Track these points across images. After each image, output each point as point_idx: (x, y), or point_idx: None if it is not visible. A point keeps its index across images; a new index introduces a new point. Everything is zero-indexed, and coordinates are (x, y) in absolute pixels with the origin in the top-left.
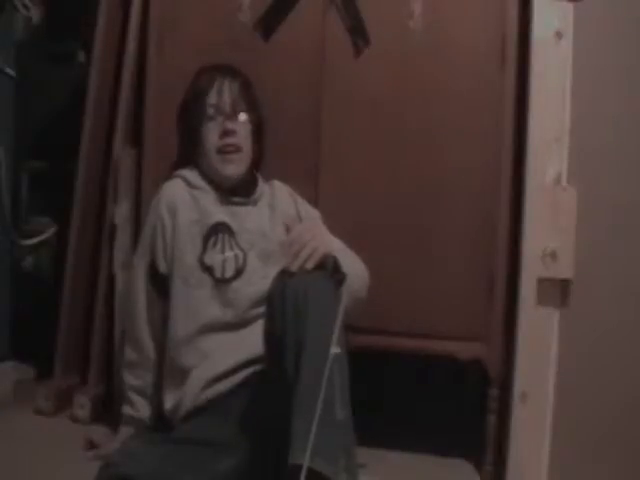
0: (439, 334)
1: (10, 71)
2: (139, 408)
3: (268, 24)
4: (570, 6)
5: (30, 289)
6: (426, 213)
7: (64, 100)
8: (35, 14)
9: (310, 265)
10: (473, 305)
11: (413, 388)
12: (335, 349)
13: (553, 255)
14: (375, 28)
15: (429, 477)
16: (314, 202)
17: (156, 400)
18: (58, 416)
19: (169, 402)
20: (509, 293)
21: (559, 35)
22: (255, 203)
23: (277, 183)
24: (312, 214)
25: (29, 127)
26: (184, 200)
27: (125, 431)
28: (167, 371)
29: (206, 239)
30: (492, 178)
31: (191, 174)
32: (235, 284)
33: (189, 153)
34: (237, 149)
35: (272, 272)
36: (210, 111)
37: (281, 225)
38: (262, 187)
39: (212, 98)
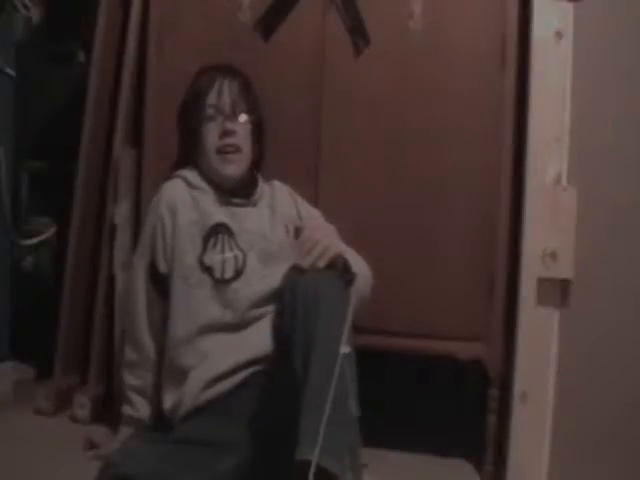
0: (439, 334)
1: (10, 71)
2: (139, 408)
3: (268, 24)
4: (570, 6)
5: (30, 289)
6: (426, 213)
7: (64, 100)
8: (35, 14)
9: (322, 263)
10: (473, 305)
11: (413, 388)
12: (345, 349)
13: (553, 255)
14: (375, 28)
15: (429, 477)
16: (314, 202)
17: (156, 400)
18: (58, 416)
19: (168, 402)
20: (509, 293)
21: (559, 35)
22: (255, 204)
23: (277, 183)
24: (312, 214)
25: (29, 127)
26: (184, 200)
27: (125, 431)
28: (167, 371)
29: (206, 239)
30: (492, 178)
31: (191, 174)
32: (235, 285)
33: (189, 153)
34: (237, 149)
35: (272, 273)
36: (210, 111)
37: (281, 226)
38: (262, 188)
39: (212, 98)
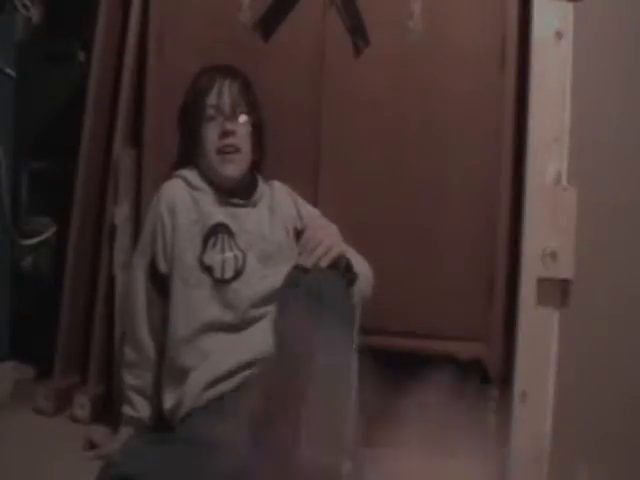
0: (439, 334)
1: (10, 71)
2: (139, 408)
3: (268, 24)
4: (570, 6)
5: (30, 289)
6: (426, 213)
7: (64, 100)
8: (35, 14)
9: (324, 263)
10: (473, 305)
11: (413, 388)
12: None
13: (553, 255)
14: (375, 28)
15: (429, 477)
16: (314, 202)
17: (156, 400)
18: (58, 416)
19: (168, 402)
20: (509, 293)
21: (559, 35)
22: (255, 205)
23: (277, 184)
24: (312, 214)
25: (29, 127)
26: (184, 200)
27: (125, 431)
28: (167, 371)
29: (206, 239)
30: (492, 178)
31: (191, 174)
32: (234, 285)
33: (189, 153)
34: (236, 150)
35: (271, 273)
36: (210, 112)
37: (281, 227)
38: (262, 188)
39: (212, 99)
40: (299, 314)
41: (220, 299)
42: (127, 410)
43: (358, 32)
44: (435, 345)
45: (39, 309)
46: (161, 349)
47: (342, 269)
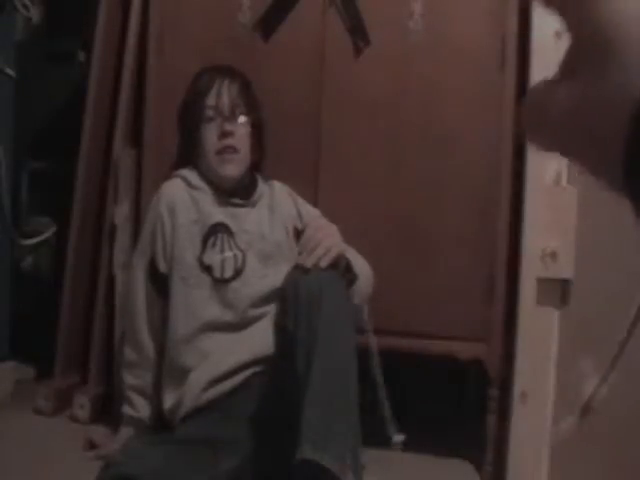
0: (439, 334)
1: (10, 71)
2: (139, 408)
3: (268, 24)
4: None
5: (30, 289)
6: (426, 213)
7: (64, 100)
8: (35, 14)
9: (324, 263)
10: (473, 305)
11: (413, 388)
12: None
13: (553, 255)
14: (375, 28)
15: (429, 477)
16: (314, 202)
17: (156, 400)
18: (58, 416)
19: (168, 402)
20: (509, 293)
21: (559, 35)
22: (254, 204)
23: (277, 184)
24: (312, 214)
25: (29, 127)
26: (183, 200)
27: (125, 431)
28: (167, 371)
29: (205, 239)
30: (492, 178)
31: (190, 174)
32: (234, 284)
33: (188, 154)
34: (235, 150)
35: (271, 273)
36: (209, 112)
37: (281, 226)
38: (261, 188)
39: (211, 99)
40: (299, 314)
41: (220, 299)
42: (127, 410)
43: (358, 32)
44: (435, 345)
45: (39, 309)
46: (161, 349)
47: (342, 269)
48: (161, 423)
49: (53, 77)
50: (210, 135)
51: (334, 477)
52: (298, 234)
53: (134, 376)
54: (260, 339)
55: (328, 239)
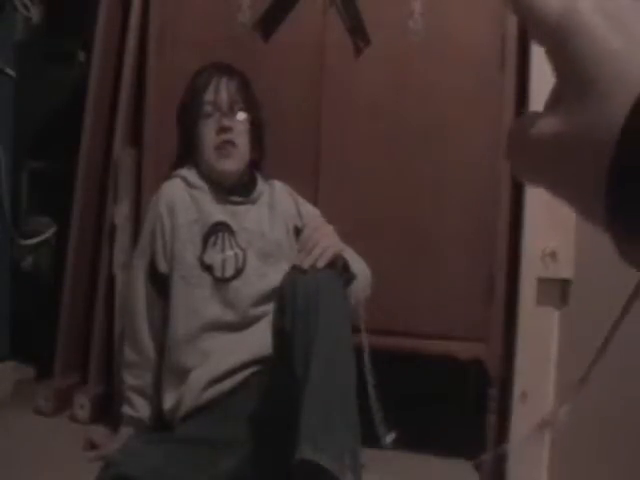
0: (439, 334)
1: (10, 71)
2: (139, 408)
3: (268, 24)
4: None
5: (30, 289)
6: (426, 213)
7: (64, 100)
8: (35, 14)
9: (322, 263)
10: (473, 305)
11: (413, 388)
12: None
13: (553, 255)
14: (375, 28)
15: (429, 477)
16: (314, 202)
17: (156, 400)
18: (58, 416)
19: (169, 402)
20: (509, 293)
21: None
22: (254, 202)
23: (277, 183)
24: (313, 213)
25: (29, 127)
26: (183, 200)
27: (125, 431)
28: (167, 371)
29: (206, 238)
30: (492, 178)
31: (190, 173)
32: (235, 283)
33: (188, 152)
34: (233, 146)
35: (271, 271)
36: (207, 109)
37: (281, 225)
38: (261, 187)
39: (209, 96)
40: (297, 314)
41: (221, 298)
42: (127, 410)
43: (358, 32)
44: (435, 345)
45: (39, 309)
46: (161, 349)
47: (339, 269)
48: (161, 423)
49: (53, 77)
50: (208, 131)
51: (333, 477)
52: (298, 233)
53: (134, 376)
54: (260, 339)
55: (325, 239)
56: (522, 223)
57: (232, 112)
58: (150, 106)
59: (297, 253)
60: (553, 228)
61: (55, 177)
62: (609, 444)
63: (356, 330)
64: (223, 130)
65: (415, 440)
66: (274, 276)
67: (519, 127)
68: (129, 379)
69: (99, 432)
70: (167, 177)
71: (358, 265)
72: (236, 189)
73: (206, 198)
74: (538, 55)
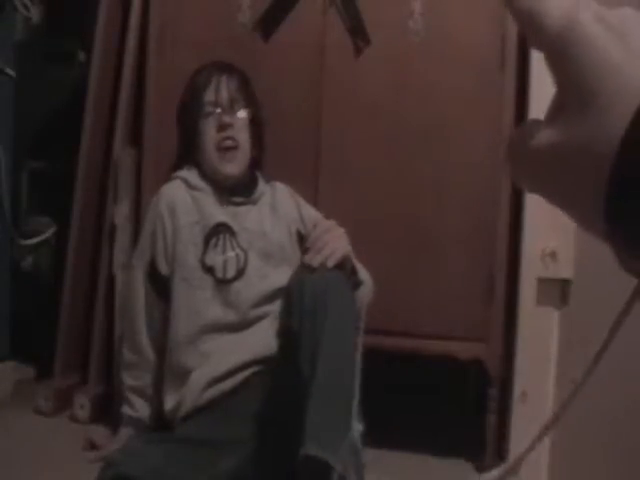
0: (439, 334)
1: (10, 71)
2: (138, 409)
3: (268, 24)
4: None
5: (30, 289)
6: (426, 213)
7: (64, 100)
8: (35, 14)
9: (331, 263)
10: (473, 305)
11: (413, 388)
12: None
13: (553, 255)
14: (375, 28)
15: (429, 477)
16: (314, 202)
17: (156, 400)
18: (58, 416)
19: (169, 402)
20: (509, 293)
21: None
22: (255, 202)
23: (279, 185)
24: (314, 216)
25: (29, 127)
26: (184, 201)
27: (125, 432)
28: (168, 371)
29: (207, 240)
30: (492, 178)
31: (190, 175)
32: (236, 285)
33: (188, 151)
34: (234, 144)
35: (272, 272)
36: (208, 108)
37: (283, 227)
38: (262, 187)
39: (209, 95)
40: (304, 313)
41: (222, 299)
42: (126, 410)
43: (358, 32)
44: (435, 345)
45: (39, 309)
46: (160, 350)
47: (348, 271)
48: (161, 423)
49: (53, 77)
50: (209, 129)
51: (338, 475)
52: (301, 238)
53: (133, 377)
54: (261, 339)
55: (336, 241)
56: (522, 223)
57: (232, 110)
58: (150, 106)
59: (305, 252)
60: (553, 228)
61: (55, 177)
62: (609, 444)
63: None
64: (223, 127)
65: (415, 440)
66: (275, 277)
67: (519, 137)
68: (128, 380)
69: (99, 432)
70: (167, 178)
71: (363, 274)
72: (237, 189)
73: (207, 199)
74: (538, 55)
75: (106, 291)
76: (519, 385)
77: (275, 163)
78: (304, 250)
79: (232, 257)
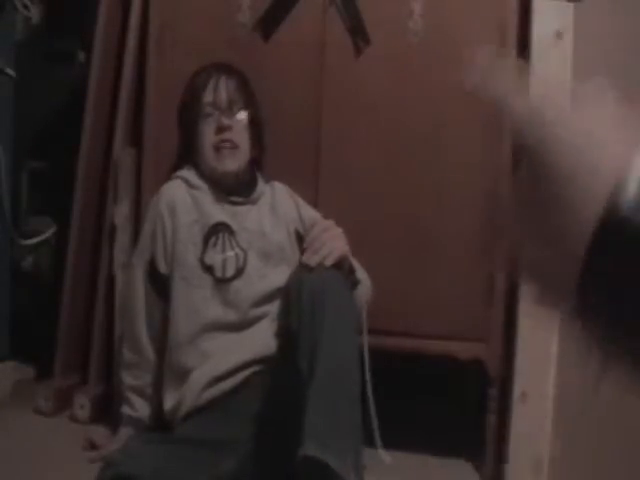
0: (439, 334)
1: (10, 71)
2: (138, 408)
3: (268, 24)
4: (570, 6)
5: (30, 289)
6: (426, 213)
7: (64, 100)
8: (35, 14)
9: (329, 262)
10: (473, 305)
11: (413, 388)
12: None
13: None
14: (375, 28)
15: (429, 477)
16: (314, 202)
17: (155, 400)
18: (58, 416)
19: (169, 402)
20: (509, 293)
21: (559, 35)
22: (255, 202)
23: (278, 185)
24: (313, 216)
25: (29, 127)
26: (184, 201)
27: (125, 431)
28: (168, 371)
29: (206, 239)
30: (492, 178)
31: (190, 174)
32: (236, 284)
33: (188, 152)
34: (233, 145)
35: (271, 272)
36: (207, 109)
37: (283, 228)
38: (262, 187)
39: (208, 96)
40: (303, 312)
41: (221, 299)
42: (126, 410)
43: (358, 32)
44: (435, 345)
45: (39, 309)
46: (160, 349)
47: (345, 271)
48: (161, 423)
49: (53, 77)
50: (208, 130)
51: (337, 476)
52: (300, 237)
53: (133, 377)
54: (261, 339)
55: (333, 240)
56: None
57: (231, 111)
58: (150, 106)
59: (303, 251)
60: None
61: (55, 177)
62: (609, 445)
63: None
64: (222, 129)
65: (415, 440)
66: (275, 277)
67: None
68: (128, 379)
69: (99, 432)
70: (167, 177)
71: (361, 275)
72: (237, 189)
73: (206, 199)
74: (538, 55)
75: (106, 291)
76: (519, 385)
77: (275, 163)
78: (302, 250)
79: (231, 256)
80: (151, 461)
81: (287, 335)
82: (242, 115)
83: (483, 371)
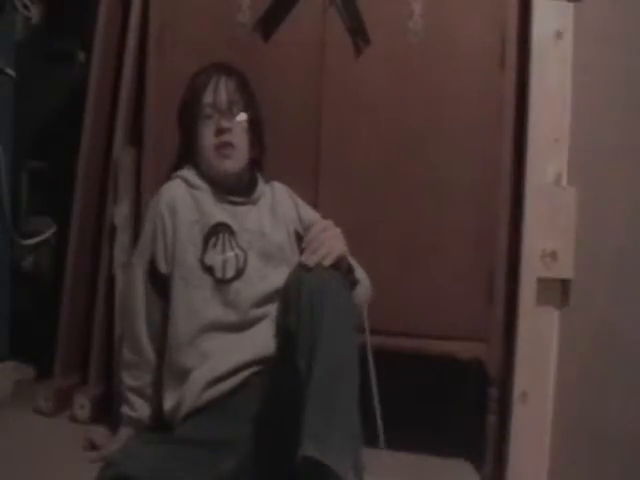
0: (439, 334)
1: (10, 71)
2: (138, 409)
3: (268, 24)
4: (570, 6)
5: (30, 289)
6: (426, 213)
7: (64, 100)
8: (35, 14)
9: (327, 262)
10: (473, 305)
11: (413, 388)
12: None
13: (553, 255)
14: (375, 28)
15: (429, 477)
16: (314, 202)
17: (155, 400)
18: (58, 416)
19: (169, 403)
20: (509, 293)
21: (559, 35)
22: (255, 202)
23: (277, 185)
24: (313, 216)
25: (29, 127)
26: (184, 201)
27: (125, 432)
28: (167, 372)
29: (206, 239)
30: (492, 178)
31: (190, 174)
32: (236, 284)
33: (188, 152)
34: (232, 147)
35: (271, 273)
36: (207, 110)
37: (282, 228)
38: (262, 187)
39: (208, 97)
40: (301, 312)
41: (221, 299)
42: (126, 410)
43: (358, 32)
44: (435, 345)
45: (39, 309)
46: (160, 350)
47: (344, 271)
48: (161, 423)
49: (53, 77)
50: (208, 132)
51: (336, 476)
52: (299, 238)
53: (133, 377)
54: (261, 339)
55: (332, 240)
56: (522, 223)
57: (231, 113)
58: (150, 106)
59: (302, 251)
60: (553, 228)
61: (55, 177)
62: (609, 445)
63: (359, 330)
64: (222, 132)
65: (415, 440)
66: (275, 277)
67: None
68: (128, 379)
69: (99, 432)
70: (167, 177)
71: (360, 274)
72: (237, 189)
73: (207, 199)
74: (538, 55)
75: (106, 291)
76: (519, 385)
77: (275, 163)
78: (301, 250)
79: (231, 257)
80: (151, 461)
81: (286, 335)
82: (242, 117)
83: (483, 371)
